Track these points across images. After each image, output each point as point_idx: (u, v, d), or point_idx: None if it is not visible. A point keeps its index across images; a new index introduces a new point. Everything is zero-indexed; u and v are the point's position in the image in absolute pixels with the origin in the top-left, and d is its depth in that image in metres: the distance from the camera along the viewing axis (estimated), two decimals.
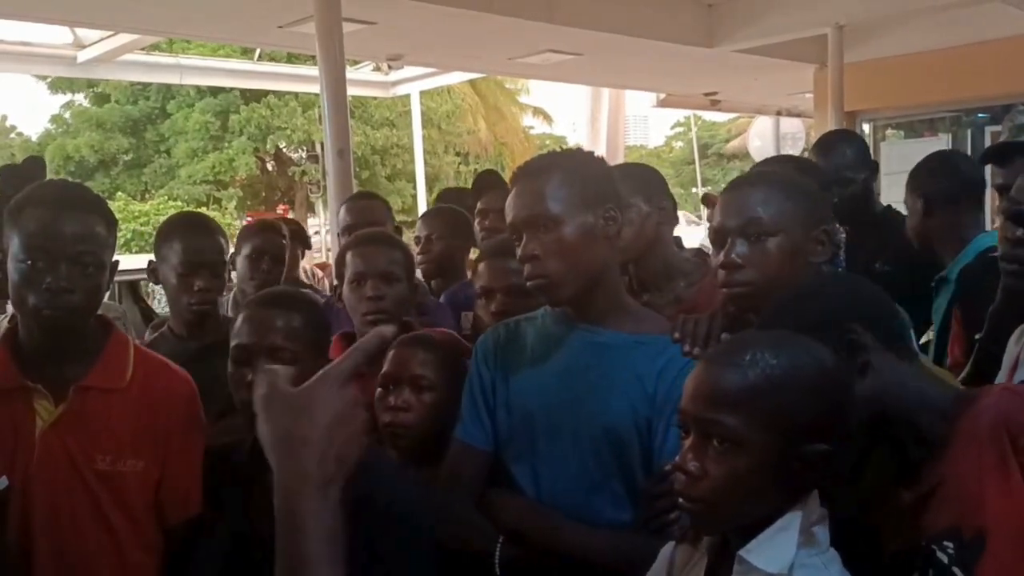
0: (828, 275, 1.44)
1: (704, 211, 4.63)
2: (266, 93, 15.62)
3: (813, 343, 1.12)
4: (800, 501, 1.06)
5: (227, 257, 2.15)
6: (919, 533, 1.09)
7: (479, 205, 2.88)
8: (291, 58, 10.13)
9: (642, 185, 1.88)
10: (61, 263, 1.43)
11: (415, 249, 2.78)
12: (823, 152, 2.54)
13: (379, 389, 1.71)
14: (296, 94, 15.49)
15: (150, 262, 2.13)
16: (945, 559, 1.04)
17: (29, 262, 1.44)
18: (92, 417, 1.50)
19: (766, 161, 2.24)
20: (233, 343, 1.47)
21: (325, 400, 0.78)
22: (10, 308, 1.55)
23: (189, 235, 2.07)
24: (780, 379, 1.04)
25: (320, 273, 4.65)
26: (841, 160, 2.49)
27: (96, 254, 1.48)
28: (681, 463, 1.06)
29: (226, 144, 17.06)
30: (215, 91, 16.23)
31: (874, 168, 2.63)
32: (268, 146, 17.16)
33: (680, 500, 1.07)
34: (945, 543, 1.05)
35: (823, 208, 1.46)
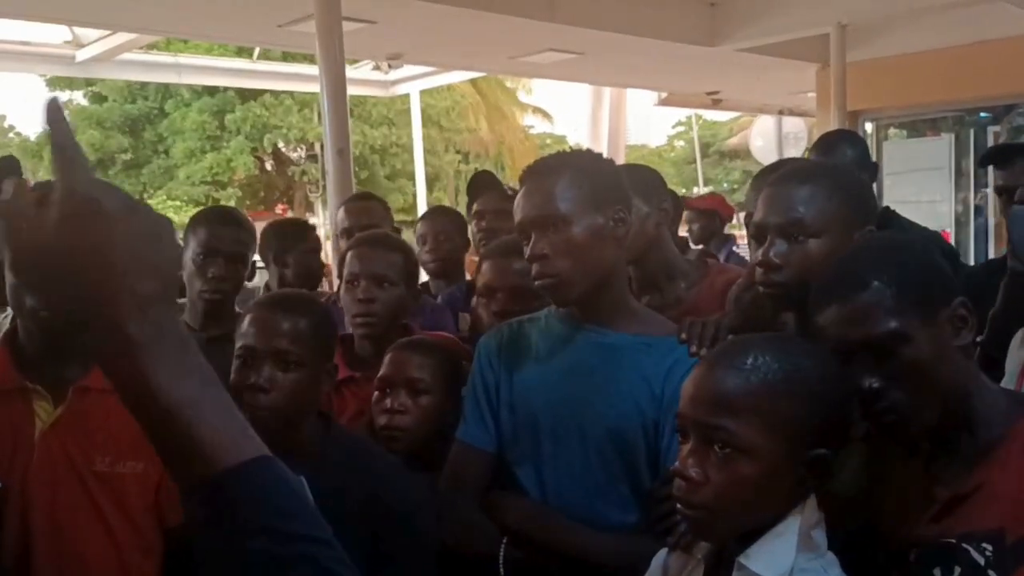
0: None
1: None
2: (262, 92, 15.60)
3: (814, 345, 1.12)
4: (798, 505, 1.05)
5: (249, 251, 2.15)
6: (943, 530, 1.07)
7: (475, 206, 2.86)
8: (286, 56, 10.09)
9: (641, 186, 1.87)
10: None
11: (423, 248, 2.76)
12: (824, 151, 2.53)
13: (376, 392, 1.70)
14: (292, 93, 15.47)
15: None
16: (982, 561, 1.02)
17: None
18: (91, 418, 1.49)
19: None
20: (238, 344, 1.46)
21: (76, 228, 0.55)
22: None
23: (212, 223, 2.10)
24: (784, 383, 1.03)
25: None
26: (842, 160, 2.46)
27: None
28: (681, 468, 1.03)
29: (224, 144, 17.05)
30: (211, 91, 16.21)
31: (874, 170, 2.62)
32: (265, 144, 17.15)
33: (679, 506, 1.05)
34: (984, 544, 1.03)
35: (869, 207, 1.42)
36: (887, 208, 2.69)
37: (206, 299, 2.05)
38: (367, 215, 2.69)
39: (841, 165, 2.05)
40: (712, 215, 4.46)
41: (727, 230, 4.83)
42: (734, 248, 4.60)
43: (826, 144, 2.58)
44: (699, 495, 1.02)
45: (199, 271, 2.05)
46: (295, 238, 2.85)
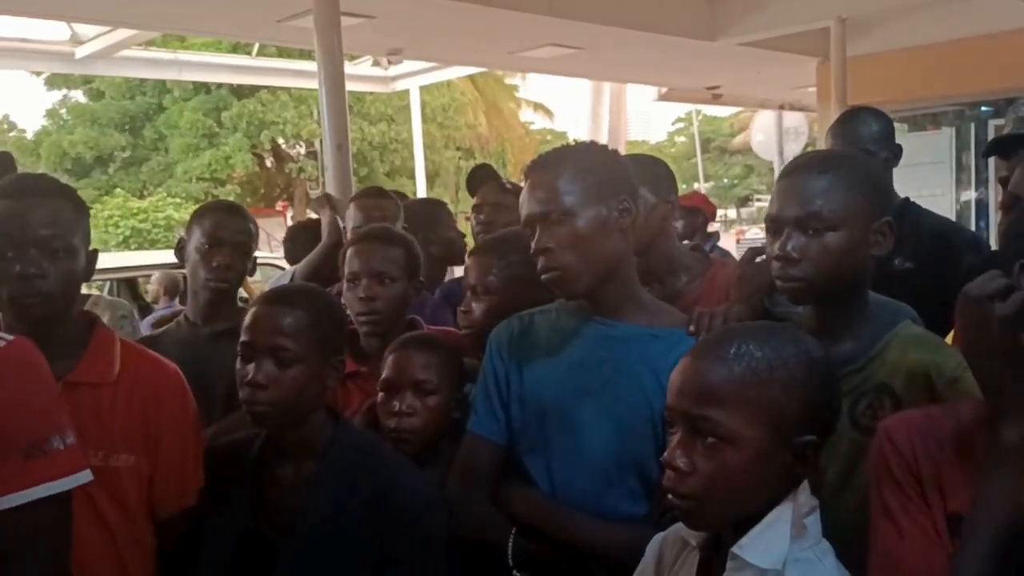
0: None
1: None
2: (258, 88, 15.55)
3: (798, 332, 1.12)
4: (790, 493, 1.05)
5: (253, 244, 2.15)
6: None
7: (474, 200, 2.85)
8: (281, 52, 10.04)
9: (650, 177, 1.86)
10: (29, 249, 1.40)
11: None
12: (846, 120, 2.37)
13: (381, 394, 1.68)
14: (288, 89, 15.41)
15: (180, 239, 2.15)
16: None
17: None
18: (83, 413, 1.46)
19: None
20: (241, 338, 1.46)
21: None
22: None
23: (217, 213, 2.11)
24: (767, 371, 1.03)
25: None
26: (866, 131, 2.31)
27: (64, 237, 1.45)
28: (669, 459, 1.04)
29: (221, 141, 17.00)
30: (207, 88, 16.17)
31: (897, 152, 2.43)
32: (263, 140, 17.11)
33: (669, 496, 1.05)
34: None
35: (887, 199, 1.40)
36: (907, 199, 2.58)
37: (211, 288, 2.04)
38: (379, 211, 2.62)
39: (858, 155, 1.99)
40: (696, 212, 4.47)
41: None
42: (717, 244, 4.64)
43: (850, 114, 2.43)
44: (687, 485, 1.03)
45: (204, 260, 2.04)
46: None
